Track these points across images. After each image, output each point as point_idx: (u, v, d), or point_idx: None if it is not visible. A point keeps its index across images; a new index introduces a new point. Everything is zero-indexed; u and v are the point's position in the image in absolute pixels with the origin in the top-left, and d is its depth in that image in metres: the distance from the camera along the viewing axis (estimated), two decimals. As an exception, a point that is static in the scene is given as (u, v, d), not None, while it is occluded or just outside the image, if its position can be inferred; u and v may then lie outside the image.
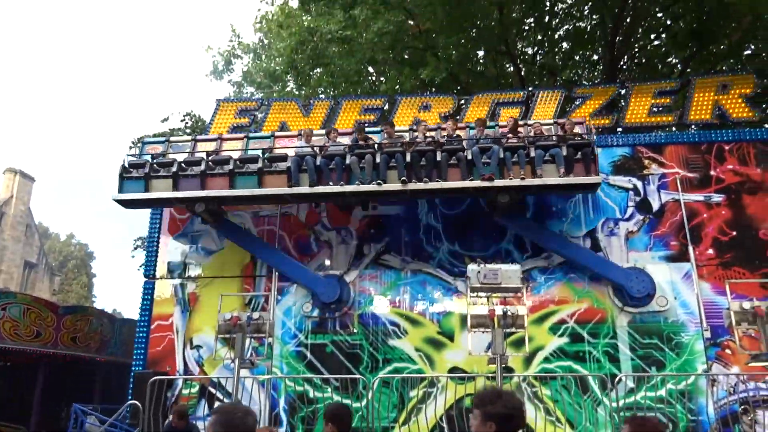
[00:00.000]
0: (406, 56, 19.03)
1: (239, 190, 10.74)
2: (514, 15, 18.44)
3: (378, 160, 10.41)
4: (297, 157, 10.73)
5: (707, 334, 10.47)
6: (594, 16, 18.59)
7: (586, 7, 18.62)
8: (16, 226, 35.09)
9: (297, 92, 21.05)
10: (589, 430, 10.03)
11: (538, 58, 20.46)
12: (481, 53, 20.22)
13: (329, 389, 9.95)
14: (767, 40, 16.34)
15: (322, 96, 19.15)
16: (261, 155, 11.00)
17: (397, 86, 18.55)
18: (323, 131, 11.76)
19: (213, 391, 11.17)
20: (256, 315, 8.95)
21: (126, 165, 11.36)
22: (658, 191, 11.67)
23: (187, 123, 20.87)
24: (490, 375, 8.69)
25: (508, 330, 8.45)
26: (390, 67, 20.21)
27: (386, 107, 13.47)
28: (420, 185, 10.13)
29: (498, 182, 10.00)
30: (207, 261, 12.19)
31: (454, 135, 10.91)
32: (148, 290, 12.17)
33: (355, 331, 11.20)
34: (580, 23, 19.40)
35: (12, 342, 12.58)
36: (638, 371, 10.33)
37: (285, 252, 11.85)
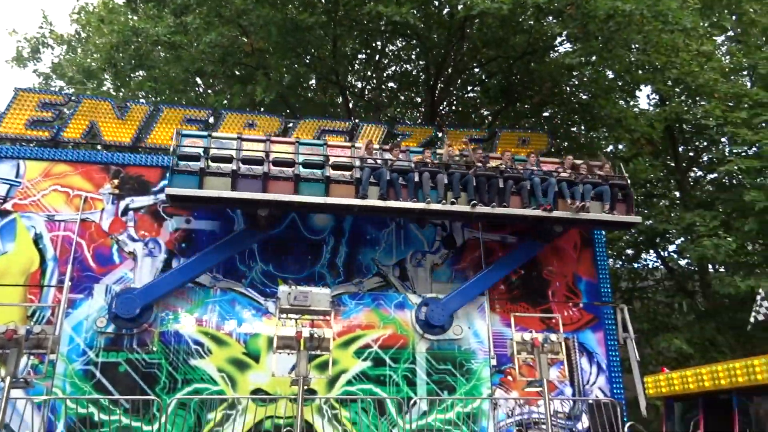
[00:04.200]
0: (237, 72, 18.66)
1: (305, 196, 10.38)
2: (347, 49, 19.02)
3: (446, 180, 10.91)
4: (369, 168, 10.72)
5: (493, 362, 11.49)
6: (420, 62, 19.86)
7: (413, 53, 19.82)
8: None
9: (114, 93, 19.61)
10: (383, 452, 10.39)
11: (366, 93, 21.28)
12: (312, 81, 20.54)
13: (118, 411, 9.19)
14: (560, 105, 18.70)
15: (143, 101, 18.06)
16: (326, 161, 10.82)
17: (225, 102, 18.07)
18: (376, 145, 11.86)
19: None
20: (37, 328, 8.03)
21: (178, 155, 10.30)
22: (462, 229, 12.65)
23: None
24: (292, 397, 8.67)
25: (313, 352, 8.55)
26: (219, 81, 19.67)
27: (210, 120, 13.05)
28: (486, 209, 10.85)
29: (556, 213, 11.09)
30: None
31: (509, 164, 11.67)
32: None
33: (154, 349, 10.54)
34: (407, 66, 20.60)
35: None
36: (432, 395, 10.99)
37: (82, 262, 10.88)
